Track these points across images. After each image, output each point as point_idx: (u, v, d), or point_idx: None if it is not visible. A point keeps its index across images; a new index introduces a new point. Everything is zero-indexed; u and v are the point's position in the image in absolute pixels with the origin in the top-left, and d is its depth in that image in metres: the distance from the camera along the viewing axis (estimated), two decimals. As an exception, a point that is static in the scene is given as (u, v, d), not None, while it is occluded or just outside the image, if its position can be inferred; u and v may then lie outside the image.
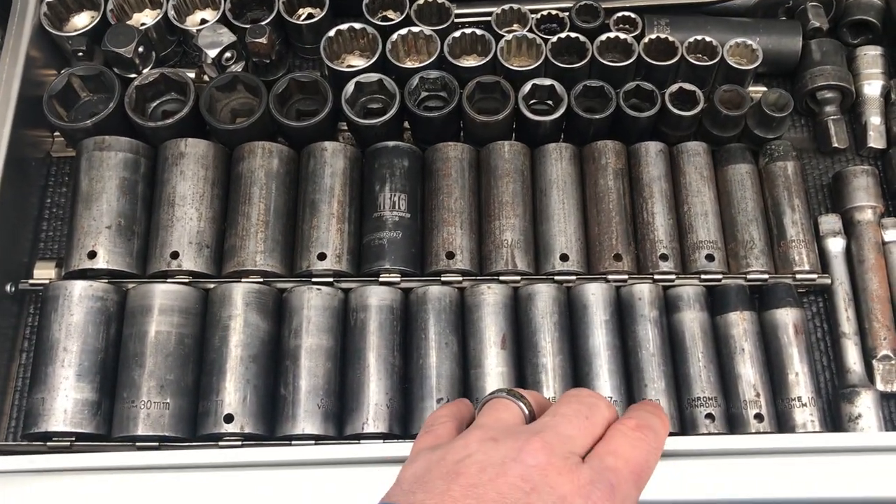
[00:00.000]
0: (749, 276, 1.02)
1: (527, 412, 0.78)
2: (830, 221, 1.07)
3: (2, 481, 0.87)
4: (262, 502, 0.85)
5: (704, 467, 0.86)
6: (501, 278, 1.01)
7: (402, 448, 0.85)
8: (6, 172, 1.03)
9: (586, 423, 0.74)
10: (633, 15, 1.14)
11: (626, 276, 1.02)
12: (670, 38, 1.10)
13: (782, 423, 0.97)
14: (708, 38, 1.09)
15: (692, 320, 1.00)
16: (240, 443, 0.93)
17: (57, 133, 1.14)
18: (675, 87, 1.07)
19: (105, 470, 0.87)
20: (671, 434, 0.90)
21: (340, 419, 0.96)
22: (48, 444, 0.94)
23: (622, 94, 1.06)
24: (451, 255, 1.01)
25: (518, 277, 1.02)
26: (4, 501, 0.86)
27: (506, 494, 0.65)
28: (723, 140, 1.10)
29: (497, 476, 0.67)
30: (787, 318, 1.00)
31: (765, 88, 1.13)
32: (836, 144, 1.12)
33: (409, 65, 1.09)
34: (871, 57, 1.16)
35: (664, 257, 1.02)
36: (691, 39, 1.09)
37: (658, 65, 1.08)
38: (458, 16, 1.16)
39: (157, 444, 0.93)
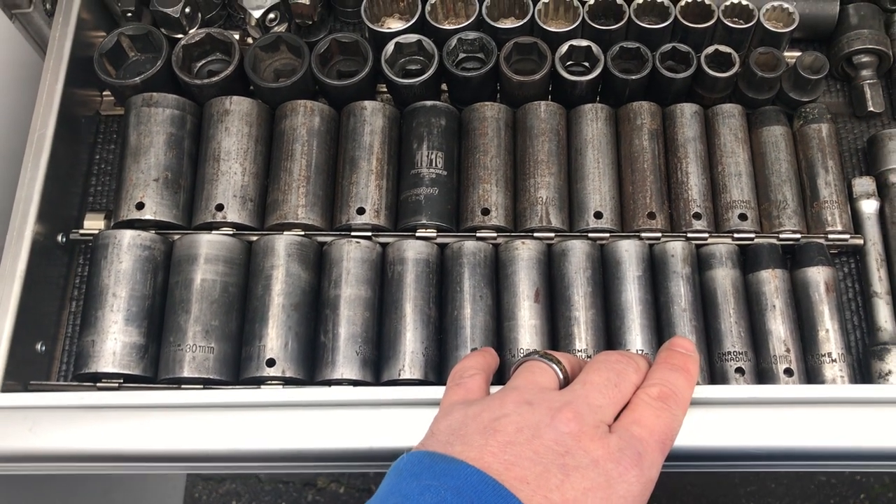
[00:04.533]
0: (781, 236, 1.03)
1: (561, 377, 0.81)
2: (864, 183, 1.07)
3: (54, 416, 0.90)
4: (301, 440, 0.88)
5: (731, 416, 0.87)
6: (536, 234, 1.04)
7: (436, 391, 0.87)
8: (58, 129, 1.06)
9: (615, 392, 0.76)
10: (669, -21, 1.15)
11: (659, 234, 1.03)
12: (706, 1, 1.10)
13: (812, 378, 0.98)
14: (744, 2, 1.10)
15: (724, 277, 1.01)
16: (281, 385, 0.96)
17: (106, 92, 1.18)
18: (710, 49, 1.08)
19: (152, 407, 0.91)
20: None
21: (377, 367, 0.99)
22: (97, 384, 0.98)
23: (658, 56, 1.07)
24: (486, 212, 1.03)
25: (552, 234, 1.04)
26: (56, 434, 0.90)
27: (542, 455, 0.69)
28: (757, 102, 1.11)
29: (533, 437, 0.70)
30: (818, 276, 1.00)
31: (799, 53, 1.14)
32: (871, 108, 1.12)
33: (447, 26, 1.11)
34: (908, 22, 1.15)
35: (697, 216, 1.04)
36: (727, 3, 1.10)
37: (694, 27, 1.09)
38: (496, -21, 1.18)
39: (201, 386, 0.97)
